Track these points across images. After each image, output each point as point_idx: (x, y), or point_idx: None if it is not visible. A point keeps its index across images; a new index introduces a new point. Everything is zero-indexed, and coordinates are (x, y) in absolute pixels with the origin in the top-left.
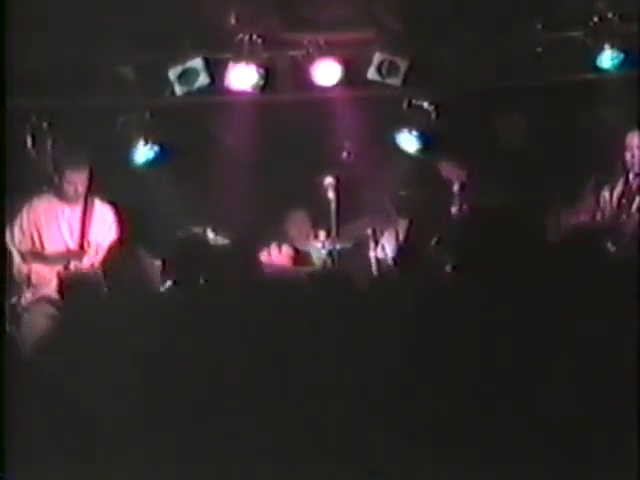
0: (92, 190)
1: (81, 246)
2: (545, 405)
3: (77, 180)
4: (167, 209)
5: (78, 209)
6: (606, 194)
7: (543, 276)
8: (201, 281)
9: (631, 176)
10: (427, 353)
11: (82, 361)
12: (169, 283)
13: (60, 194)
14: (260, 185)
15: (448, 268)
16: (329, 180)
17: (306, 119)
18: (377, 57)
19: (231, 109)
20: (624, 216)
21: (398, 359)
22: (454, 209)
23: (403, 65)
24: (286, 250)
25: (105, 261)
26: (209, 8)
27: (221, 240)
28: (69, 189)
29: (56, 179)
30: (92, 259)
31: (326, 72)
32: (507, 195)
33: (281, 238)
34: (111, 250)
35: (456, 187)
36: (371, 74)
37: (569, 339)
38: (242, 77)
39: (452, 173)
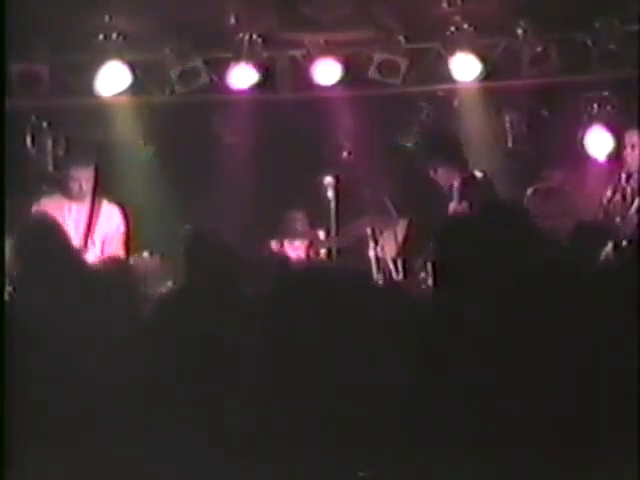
0: (99, 187)
1: (85, 243)
2: (543, 406)
3: (82, 177)
4: (166, 208)
5: (85, 206)
6: (608, 193)
7: (543, 275)
8: (201, 280)
9: (624, 176)
10: (428, 352)
11: (83, 358)
12: (169, 282)
13: (66, 192)
14: (260, 184)
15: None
16: (329, 179)
17: (306, 119)
18: (377, 57)
19: (231, 108)
20: (624, 215)
21: (400, 360)
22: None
23: (403, 65)
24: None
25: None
26: (209, 8)
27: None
28: (74, 186)
29: (62, 178)
30: (97, 256)
31: (326, 72)
32: (505, 194)
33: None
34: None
35: (456, 184)
36: (371, 74)
37: (568, 339)
38: (242, 77)
39: (449, 178)
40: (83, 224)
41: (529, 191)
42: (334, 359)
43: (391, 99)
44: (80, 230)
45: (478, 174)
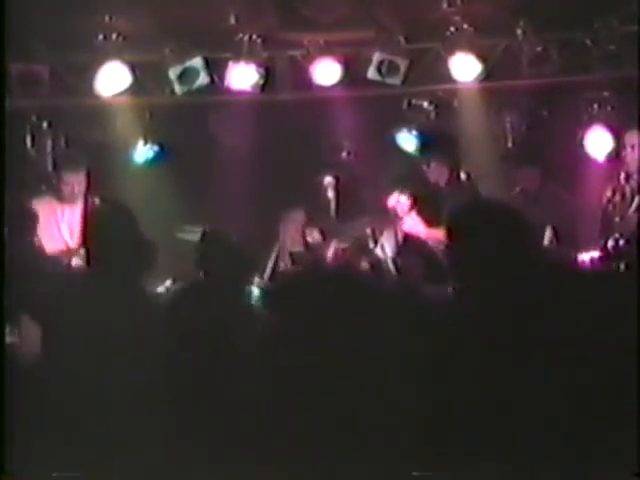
0: (91, 190)
1: (82, 245)
2: (543, 407)
3: (74, 181)
4: (167, 208)
5: (77, 209)
6: (608, 193)
7: (543, 274)
8: (200, 280)
9: (624, 176)
10: (427, 353)
11: (83, 361)
12: (168, 282)
13: (58, 195)
14: (259, 184)
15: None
16: (329, 180)
17: (306, 119)
18: (377, 57)
19: (231, 109)
20: (623, 215)
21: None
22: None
23: (403, 65)
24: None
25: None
26: (209, 8)
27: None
28: (66, 190)
29: (54, 181)
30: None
31: (326, 72)
32: (504, 193)
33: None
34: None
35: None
36: (371, 74)
37: (568, 339)
38: (242, 77)
39: (439, 174)
40: (77, 226)
41: (528, 190)
42: (335, 359)
43: (391, 99)
44: (75, 232)
45: (463, 175)
